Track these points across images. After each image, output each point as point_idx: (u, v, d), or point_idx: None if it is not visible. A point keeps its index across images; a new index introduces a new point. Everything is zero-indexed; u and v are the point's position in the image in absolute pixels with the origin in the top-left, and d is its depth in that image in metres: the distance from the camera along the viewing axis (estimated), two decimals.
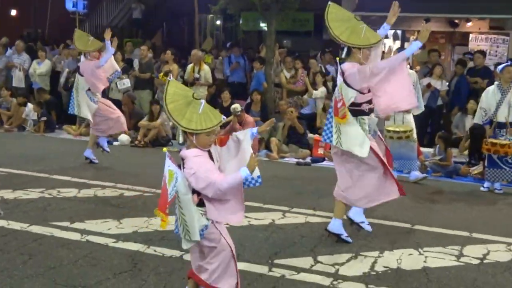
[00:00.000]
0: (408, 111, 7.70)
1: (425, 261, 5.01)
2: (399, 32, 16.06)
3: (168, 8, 19.62)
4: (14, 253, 4.82)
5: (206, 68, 11.50)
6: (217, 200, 3.49)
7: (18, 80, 12.98)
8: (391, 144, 7.24)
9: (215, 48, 17.31)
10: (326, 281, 4.50)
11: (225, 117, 3.57)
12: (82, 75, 8.43)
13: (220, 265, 3.60)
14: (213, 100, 11.55)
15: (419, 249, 5.30)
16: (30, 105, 12.04)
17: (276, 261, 4.85)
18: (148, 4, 19.60)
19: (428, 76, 10.44)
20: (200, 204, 3.53)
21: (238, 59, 12.76)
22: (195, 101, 3.47)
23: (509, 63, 7.94)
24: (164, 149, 3.61)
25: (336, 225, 5.42)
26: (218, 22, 21.26)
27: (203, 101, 3.49)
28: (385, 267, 4.85)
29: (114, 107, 8.86)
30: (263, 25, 16.38)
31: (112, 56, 8.68)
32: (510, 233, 5.91)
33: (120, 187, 7.26)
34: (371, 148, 5.16)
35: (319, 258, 4.98)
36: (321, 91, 11.06)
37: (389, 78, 4.97)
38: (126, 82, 11.52)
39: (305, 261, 4.88)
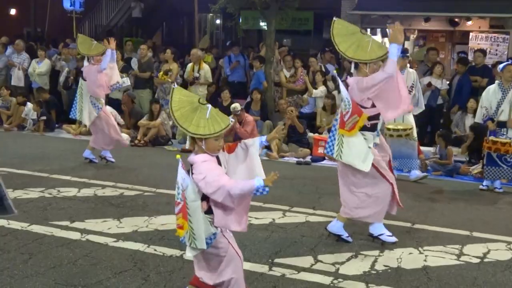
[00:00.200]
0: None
1: (425, 260, 5.01)
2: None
3: (168, 7, 19.62)
4: (14, 253, 4.82)
5: (206, 67, 11.49)
6: (223, 207, 3.46)
7: (17, 79, 12.98)
8: (391, 142, 7.25)
9: (215, 46, 17.31)
10: (327, 280, 4.50)
11: (232, 120, 3.54)
12: (85, 80, 8.44)
13: (234, 276, 3.58)
14: (213, 99, 11.54)
15: (420, 248, 5.30)
16: (29, 105, 12.03)
17: (276, 260, 4.85)
18: (148, 3, 19.60)
19: (428, 75, 10.43)
20: (209, 211, 3.50)
21: (238, 58, 12.75)
22: (202, 106, 3.45)
23: (509, 62, 7.95)
24: (178, 156, 3.56)
25: (337, 226, 5.41)
26: (217, 21, 21.25)
27: (210, 105, 3.48)
28: (385, 266, 4.85)
29: (113, 122, 8.69)
30: (262, 24, 16.38)
31: (116, 67, 8.68)
32: (510, 232, 5.92)
33: (120, 187, 7.26)
34: (373, 164, 5.15)
35: (320, 257, 4.98)
36: (321, 90, 11.06)
37: (385, 87, 4.96)
38: (126, 81, 11.49)
39: (305, 260, 4.88)
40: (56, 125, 12.20)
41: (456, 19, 14.60)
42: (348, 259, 4.97)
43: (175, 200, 3.58)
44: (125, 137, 10.59)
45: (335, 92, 11.15)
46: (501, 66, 7.82)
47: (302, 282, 4.45)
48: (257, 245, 5.23)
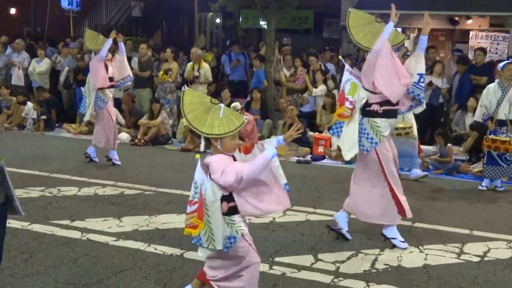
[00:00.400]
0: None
1: (425, 259, 5.02)
2: (399, 30, 16.04)
3: (168, 6, 19.61)
4: (14, 252, 4.82)
5: (205, 66, 11.49)
6: (253, 195, 3.41)
7: (17, 78, 12.97)
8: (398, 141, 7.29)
9: (215, 45, 17.31)
10: (327, 278, 4.50)
11: (247, 117, 3.51)
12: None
13: (250, 282, 3.56)
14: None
15: (420, 247, 5.30)
16: (29, 104, 12.04)
17: (276, 259, 4.85)
18: (148, 2, 19.59)
19: (428, 74, 10.43)
20: (229, 212, 3.46)
21: (238, 57, 12.74)
22: (215, 106, 3.43)
23: (510, 60, 7.94)
24: (197, 155, 3.52)
25: (341, 217, 5.42)
26: (217, 20, 21.26)
27: (223, 105, 3.46)
28: (385, 264, 4.85)
29: (113, 114, 8.60)
30: (262, 23, 16.38)
31: (126, 60, 8.61)
32: (510, 230, 5.92)
33: (120, 186, 7.26)
34: (380, 162, 5.14)
35: (320, 256, 4.98)
36: (321, 89, 11.06)
37: (380, 66, 4.95)
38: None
39: (305, 259, 4.88)
40: (56, 125, 12.20)
41: (456, 18, 14.60)
42: (349, 258, 4.97)
43: (190, 200, 3.53)
44: (124, 136, 10.61)
45: (335, 91, 11.16)
46: (501, 64, 7.81)
47: (303, 281, 4.45)
48: (257, 244, 5.17)
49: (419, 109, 5.40)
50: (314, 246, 5.22)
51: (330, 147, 9.85)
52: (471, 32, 14.33)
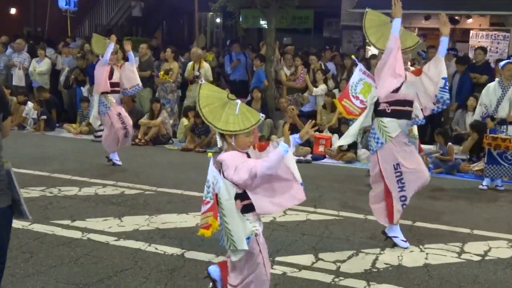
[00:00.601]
0: None
1: (426, 258, 5.01)
2: None
3: (168, 6, 19.61)
4: (15, 252, 4.82)
5: (206, 65, 11.49)
6: (268, 192, 3.34)
7: (18, 78, 12.98)
8: None
9: (215, 45, 17.29)
10: (328, 278, 4.50)
11: (263, 115, 3.42)
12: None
13: (253, 281, 3.47)
14: None
15: (420, 246, 5.30)
16: (30, 104, 12.04)
17: (277, 259, 4.85)
18: (148, 2, 19.59)
19: None
20: (243, 211, 3.37)
21: (239, 56, 12.73)
22: (231, 102, 3.36)
23: (510, 60, 7.94)
24: (210, 153, 3.48)
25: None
26: (218, 20, 21.26)
27: (239, 101, 3.39)
28: (386, 264, 4.85)
29: (116, 120, 8.30)
30: (263, 22, 16.38)
31: (135, 69, 8.55)
32: (511, 229, 5.92)
33: (121, 185, 7.26)
34: (378, 160, 5.14)
35: (320, 255, 4.98)
36: (321, 88, 11.06)
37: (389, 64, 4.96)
38: None
39: (306, 259, 4.88)
40: (57, 124, 12.21)
41: (457, 17, 14.59)
42: (349, 257, 4.97)
43: (203, 199, 3.47)
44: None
45: (335, 91, 11.16)
46: (501, 63, 7.82)
47: (303, 280, 4.45)
48: None
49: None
50: (315, 246, 5.22)
51: (331, 146, 9.86)
52: (471, 31, 14.33)
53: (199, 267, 4.62)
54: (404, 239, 5.27)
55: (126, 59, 8.53)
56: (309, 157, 9.61)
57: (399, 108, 5.10)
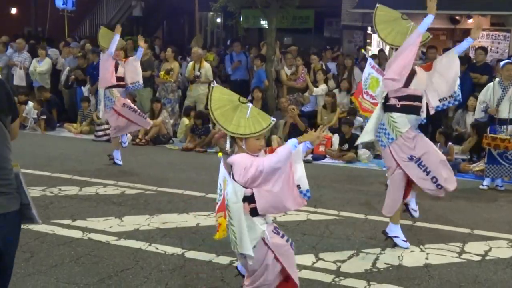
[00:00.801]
0: None
1: (426, 258, 5.02)
2: None
3: (168, 6, 19.61)
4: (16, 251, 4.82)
5: (206, 65, 11.50)
6: (271, 192, 3.28)
7: (19, 78, 12.99)
8: None
9: (215, 45, 17.28)
10: (328, 278, 4.50)
11: (274, 119, 3.41)
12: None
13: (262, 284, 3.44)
14: None
15: (421, 246, 5.30)
16: (30, 103, 12.05)
17: None
18: (148, 1, 19.60)
19: None
20: (251, 213, 3.34)
21: (240, 56, 12.72)
22: (242, 105, 3.37)
23: (510, 60, 7.93)
24: (219, 154, 3.45)
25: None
26: (218, 20, 21.26)
27: (251, 104, 3.39)
28: (386, 264, 4.85)
29: (122, 109, 8.21)
30: (263, 22, 16.37)
31: (139, 66, 8.52)
32: (511, 229, 5.92)
33: (121, 185, 7.27)
34: (391, 153, 5.13)
35: (321, 255, 4.98)
36: (322, 88, 11.07)
37: (405, 56, 4.94)
38: None
39: (306, 259, 4.88)
40: (57, 124, 12.21)
41: (457, 17, 14.58)
42: (350, 257, 4.97)
43: (216, 202, 3.47)
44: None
45: (336, 91, 11.17)
46: (502, 63, 7.82)
47: (304, 280, 4.44)
48: None
49: (432, 110, 5.39)
50: (315, 246, 5.23)
51: (331, 146, 9.87)
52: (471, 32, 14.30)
53: (199, 267, 4.63)
54: (405, 239, 5.27)
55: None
56: (309, 157, 9.60)
57: (409, 103, 5.08)
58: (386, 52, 14.00)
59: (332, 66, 12.29)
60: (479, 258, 5.06)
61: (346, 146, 9.51)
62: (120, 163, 8.48)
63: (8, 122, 2.77)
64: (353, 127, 9.86)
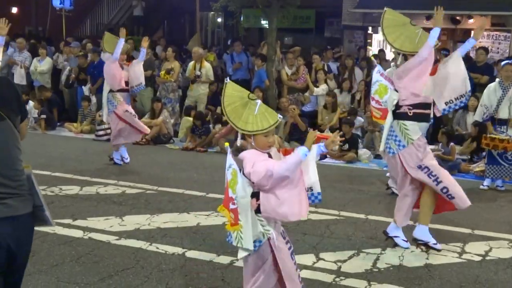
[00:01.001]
0: None
1: (427, 258, 5.02)
2: None
3: (169, 6, 19.62)
4: None
5: (207, 65, 11.50)
6: (276, 197, 3.24)
7: (19, 77, 12.98)
8: None
9: (215, 45, 17.27)
10: (329, 278, 4.50)
11: (281, 116, 3.40)
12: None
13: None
14: (215, 98, 11.55)
15: (421, 246, 5.29)
16: (31, 103, 12.04)
17: None
18: (149, 1, 19.60)
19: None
20: (258, 210, 3.29)
21: (241, 56, 12.71)
22: (251, 102, 3.37)
23: (510, 61, 7.93)
24: (226, 143, 3.47)
25: (422, 231, 5.26)
26: (219, 20, 21.25)
27: (259, 101, 3.39)
28: (387, 264, 4.86)
29: (127, 116, 8.27)
30: (264, 22, 16.38)
31: (142, 67, 8.53)
32: None
33: (122, 185, 7.27)
34: (401, 162, 5.11)
35: (321, 255, 4.98)
36: (322, 88, 11.07)
37: (420, 71, 4.96)
38: None
39: (307, 258, 4.88)
40: (58, 124, 12.22)
41: (458, 17, 14.57)
42: (350, 257, 4.98)
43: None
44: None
45: (336, 91, 11.18)
46: (502, 63, 7.83)
47: (304, 280, 4.39)
48: None
49: (438, 113, 5.41)
50: (316, 245, 5.23)
51: None
52: (472, 32, 14.30)
53: (200, 267, 4.63)
54: (405, 239, 5.27)
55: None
56: None
57: (421, 111, 5.08)
58: (387, 51, 14.02)
59: (333, 66, 12.29)
60: (479, 258, 5.06)
61: (346, 146, 9.51)
62: (120, 162, 8.49)
63: (18, 122, 2.76)
64: (353, 127, 9.86)
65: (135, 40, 14.25)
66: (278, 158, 3.39)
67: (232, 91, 3.48)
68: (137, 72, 8.40)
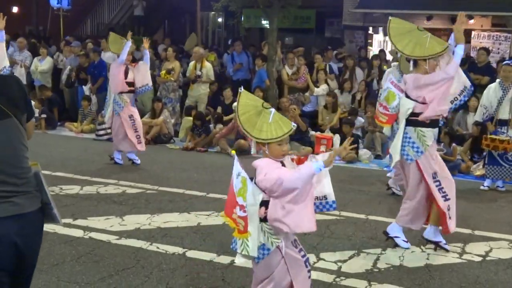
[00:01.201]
0: None
1: (427, 258, 5.02)
2: None
3: (170, 5, 19.62)
4: None
5: (208, 65, 11.50)
6: (284, 208, 3.22)
7: (20, 76, 12.97)
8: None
9: (215, 45, 17.25)
10: (329, 278, 4.50)
11: (295, 125, 3.40)
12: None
13: None
14: (216, 98, 11.55)
15: (422, 246, 5.30)
16: (31, 102, 12.03)
17: None
18: (150, 1, 19.60)
19: None
20: (266, 219, 3.28)
21: (241, 56, 12.71)
22: (265, 111, 3.38)
23: (509, 61, 7.93)
24: (233, 151, 3.46)
25: (433, 232, 5.28)
26: (220, 20, 21.26)
27: (273, 110, 3.40)
28: (387, 264, 4.86)
29: (127, 123, 8.27)
30: (264, 22, 16.37)
31: (148, 68, 8.55)
32: None
33: (122, 184, 7.27)
34: (418, 167, 5.11)
35: (322, 255, 4.98)
36: (322, 88, 11.07)
37: (443, 87, 4.97)
38: None
39: None
40: (58, 123, 12.22)
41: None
42: (351, 257, 4.98)
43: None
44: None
45: (337, 91, 11.18)
46: (503, 63, 7.83)
47: None
48: None
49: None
50: (316, 245, 5.23)
51: (332, 146, 9.86)
52: (473, 32, 14.29)
53: (200, 267, 4.63)
54: (406, 239, 5.28)
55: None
56: None
57: (436, 118, 5.14)
58: (387, 51, 14.03)
59: (334, 66, 12.29)
60: (480, 258, 5.07)
61: (356, 145, 9.50)
62: (121, 162, 8.50)
63: (24, 120, 2.76)
64: (354, 127, 9.86)
65: (135, 40, 14.25)
66: (292, 167, 3.39)
67: (246, 100, 3.48)
68: (143, 73, 8.42)
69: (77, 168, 8.12)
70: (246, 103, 3.45)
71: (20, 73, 12.97)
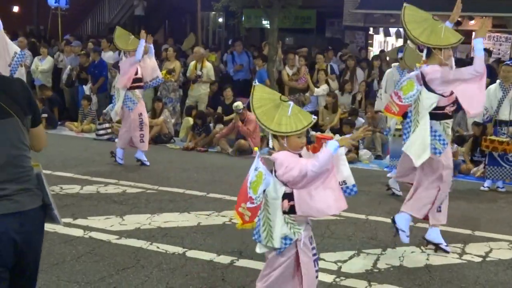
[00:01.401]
0: None
1: (427, 259, 5.02)
2: (402, 30, 16.04)
3: (170, 5, 19.63)
4: None
5: (208, 65, 11.49)
6: (310, 194, 3.26)
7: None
8: (394, 142, 7.28)
9: (216, 45, 17.25)
10: (329, 278, 4.50)
11: (315, 117, 3.43)
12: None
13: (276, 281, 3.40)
14: (216, 98, 11.55)
15: (422, 247, 5.30)
16: (37, 106, 12.04)
17: None
18: (150, 1, 19.60)
19: None
20: (290, 211, 3.31)
21: (242, 56, 12.70)
22: (284, 104, 3.39)
23: (509, 62, 7.93)
24: (255, 148, 3.49)
25: (435, 233, 5.28)
26: (220, 20, 21.26)
27: (292, 103, 3.41)
28: (387, 264, 4.86)
29: (136, 123, 8.27)
30: (265, 22, 16.39)
31: (155, 61, 8.56)
32: None
33: (122, 184, 7.27)
34: (442, 159, 5.10)
35: (322, 255, 4.97)
36: (323, 88, 11.07)
37: (470, 84, 4.96)
38: None
39: None
40: (59, 123, 12.22)
41: (459, 19, 14.56)
42: (351, 257, 4.98)
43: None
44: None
45: (337, 91, 11.17)
46: (504, 64, 7.84)
47: None
48: None
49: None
50: (316, 246, 5.19)
51: None
52: (473, 33, 14.30)
53: (200, 266, 4.63)
54: (408, 235, 5.25)
55: None
56: None
57: (454, 108, 5.20)
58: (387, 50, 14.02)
59: (335, 66, 12.29)
60: (479, 259, 5.07)
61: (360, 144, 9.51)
62: (122, 162, 8.49)
63: (28, 122, 2.77)
64: (354, 128, 9.85)
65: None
66: (308, 156, 3.41)
67: (262, 94, 3.49)
68: (152, 66, 8.44)
69: (77, 168, 8.12)
70: (262, 97, 3.46)
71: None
